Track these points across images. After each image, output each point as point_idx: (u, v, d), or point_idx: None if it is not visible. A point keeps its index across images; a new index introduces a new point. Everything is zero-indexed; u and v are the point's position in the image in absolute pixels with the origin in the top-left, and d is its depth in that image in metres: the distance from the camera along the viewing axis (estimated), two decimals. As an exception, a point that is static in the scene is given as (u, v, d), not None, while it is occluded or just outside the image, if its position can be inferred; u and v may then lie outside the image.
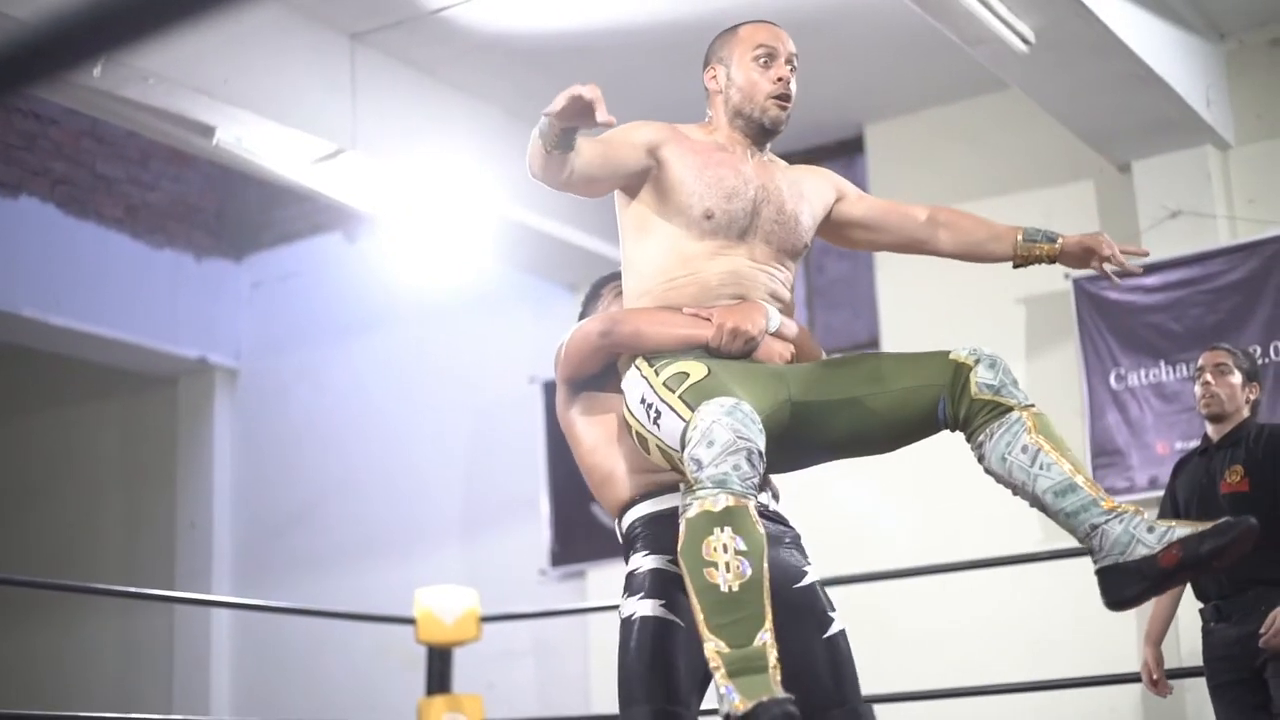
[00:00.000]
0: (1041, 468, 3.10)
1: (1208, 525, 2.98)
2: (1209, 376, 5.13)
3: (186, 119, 7.19)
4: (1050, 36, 6.51)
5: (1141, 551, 2.99)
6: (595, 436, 3.49)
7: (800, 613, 3.26)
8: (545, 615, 8.05)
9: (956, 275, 8.35)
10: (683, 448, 3.01)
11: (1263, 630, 4.76)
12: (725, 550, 2.88)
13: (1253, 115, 7.70)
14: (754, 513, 2.94)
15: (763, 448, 2.97)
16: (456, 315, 9.78)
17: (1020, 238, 3.62)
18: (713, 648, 2.85)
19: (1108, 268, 3.59)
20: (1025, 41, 6.48)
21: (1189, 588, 5.19)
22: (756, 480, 2.96)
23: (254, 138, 7.43)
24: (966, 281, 8.30)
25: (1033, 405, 3.21)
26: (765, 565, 2.92)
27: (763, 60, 3.51)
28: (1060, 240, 3.60)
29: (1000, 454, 3.14)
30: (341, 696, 9.25)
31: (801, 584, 3.33)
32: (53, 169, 9.71)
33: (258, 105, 7.18)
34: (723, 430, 2.94)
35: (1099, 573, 3.06)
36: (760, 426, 2.98)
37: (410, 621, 7.01)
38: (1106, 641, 7.22)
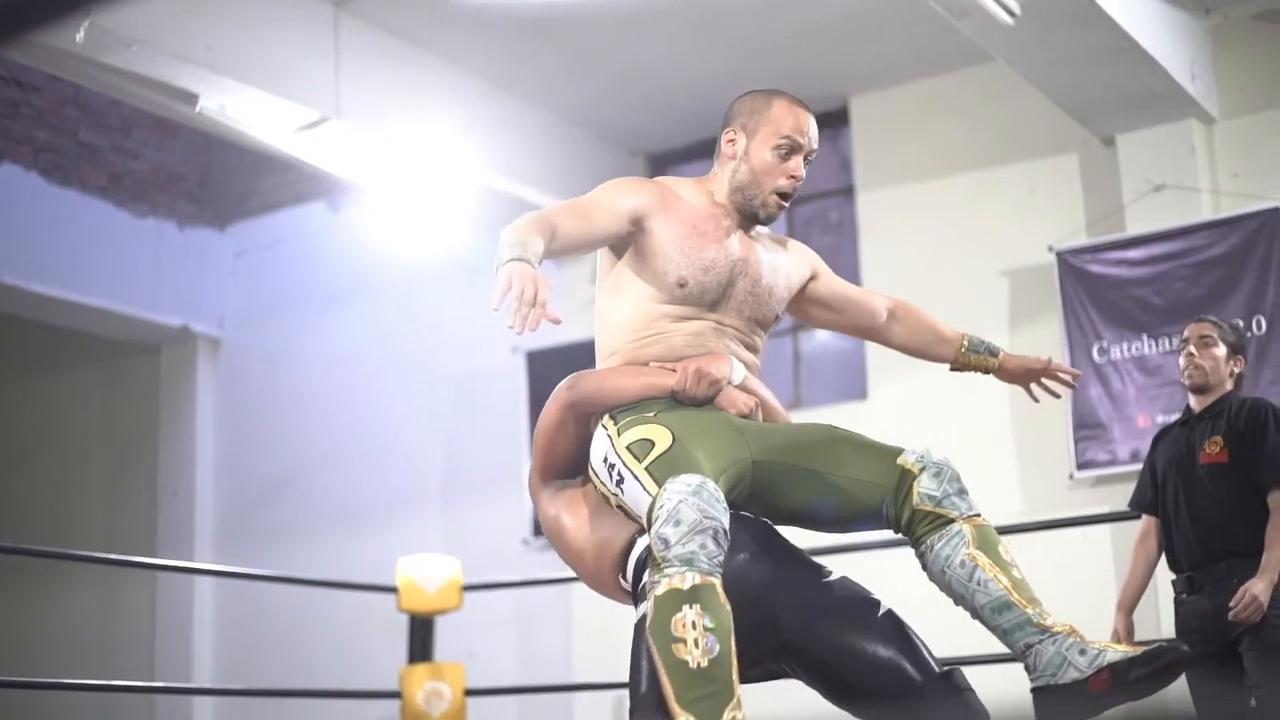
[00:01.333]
0: (978, 584, 3.12)
1: (1139, 651, 2.99)
2: (1193, 348, 5.10)
3: (169, 86, 7.17)
4: (1035, 9, 6.50)
5: (1072, 675, 3.00)
6: (580, 517, 3.43)
7: (852, 604, 3.24)
8: (527, 584, 8.05)
9: (940, 248, 8.39)
10: (649, 522, 3.04)
11: (1232, 604, 4.76)
12: (694, 627, 2.91)
13: (1237, 89, 7.70)
14: (720, 591, 2.97)
15: (727, 525, 2.99)
16: (439, 285, 9.77)
17: (965, 345, 3.81)
18: None
19: (1048, 384, 3.85)
20: (1010, 14, 6.47)
21: (1163, 558, 5.21)
22: (722, 558, 2.99)
23: (237, 105, 7.40)
24: (950, 254, 8.33)
25: (977, 515, 3.23)
26: (733, 643, 2.95)
27: (784, 151, 3.51)
28: (1001, 356, 3.82)
29: (940, 566, 3.17)
30: (323, 665, 9.25)
31: (831, 578, 3.31)
32: (35, 137, 9.68)
33: (241, 72, 7.16)
34: (689, 510, 2.96)
35: (1033, 692, 3.07)
36: (725, 505, 3.02)
37: (392, 590, 7.01)
38: (1091, 614, 7.23)
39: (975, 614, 3.16)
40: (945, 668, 3.17)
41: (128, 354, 10.79)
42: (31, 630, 10.48)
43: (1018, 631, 3.09)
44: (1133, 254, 7.58)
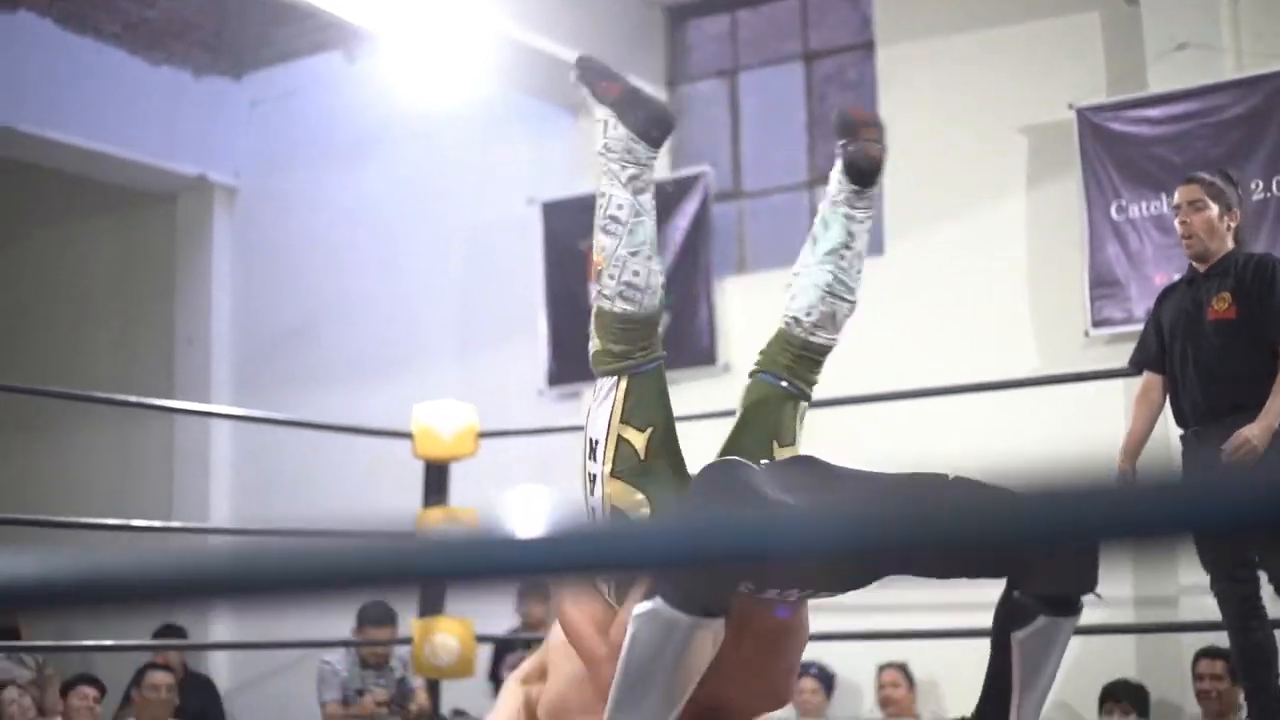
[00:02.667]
0: None
1: None
2: (1185, 216, 5.04)
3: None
4: None
5: None
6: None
7: (924, 483, 3.03)
8: (542, 432, 8.10)
9: (960, 105, 8.34)
10: None
11: (1225, 447, 4.73)
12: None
13: (1264, -53, 7.62)
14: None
15: None
16: (456, 136, 9.74)
17: None
18: None
19: None
20: None
21: (1169, 410, 5.20)
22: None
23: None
24: (970, 111, 8.28)
25: None
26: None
27: None
28: None
29: None
30: (338, 512, 9.33)
31: (890, 472, 3.15)
32: (50, -17, 9.62)
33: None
34: None
35: None
36: None
37: (408, 436, 7.06)
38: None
39: None
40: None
41: (144, 203, 10.79)
42: (50, 474, 10.57)
43: None
44: (1153, 113, 7.54)
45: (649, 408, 3.33)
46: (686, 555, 1.06)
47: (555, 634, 3.41)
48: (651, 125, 3.45)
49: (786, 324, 3.48)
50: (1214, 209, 4.99)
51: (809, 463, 3.12)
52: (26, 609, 1.16)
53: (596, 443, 3.30)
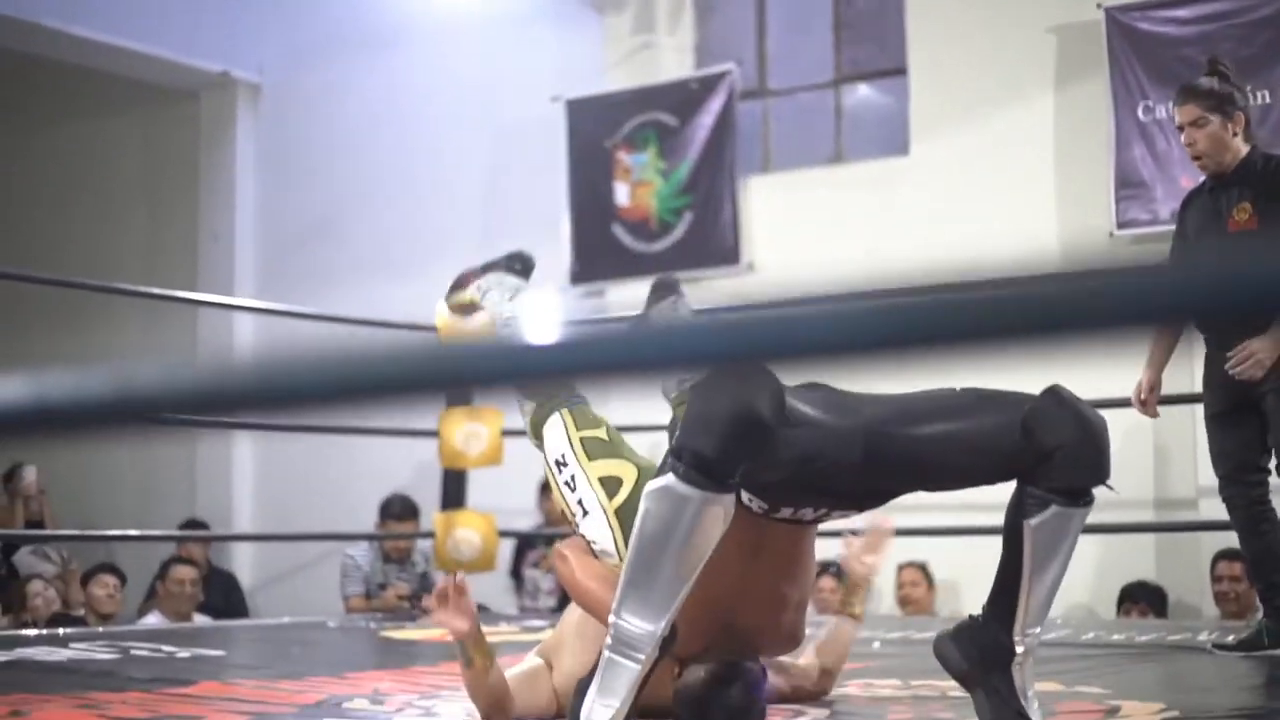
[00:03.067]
0: None
1: None
2: (1187, 137, 4.80)
3: None
4: None
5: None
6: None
7: (925, 398, 3.01)
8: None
9: (987, 4, 8.27)
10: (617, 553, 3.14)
11: (1230, 358, 4.66)
12: None
13: None
14: None
15: None
16: (481, 32, 9.69)
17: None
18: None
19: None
20: None
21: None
22: None
23: None
24: (998, 10, 8.20)
25: None
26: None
27: None
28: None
29: None
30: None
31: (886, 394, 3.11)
32: (73, -126, 9.56)
33: None
34: None
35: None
36: None
37: (431, 329, 7.07)
38: (1127, 371, 7.30)
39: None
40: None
41: (168, 99, 10.77)
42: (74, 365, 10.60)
43: None
44: (1182, 13, 7.47)
45: (594, 425, 3.48)
46: (715, 351, 1.08)
47: (569, 614, 3.48)
48: (516, 261, 4.09)
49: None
50: (1215, 120, 4.74)
51: (822, 387, 3.11)
52: (60, 428, 1.17)
53: (564, 461, 3.40)
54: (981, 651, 2.91)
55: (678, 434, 2.69)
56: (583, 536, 3.30)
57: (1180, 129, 4.84)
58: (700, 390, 2.70)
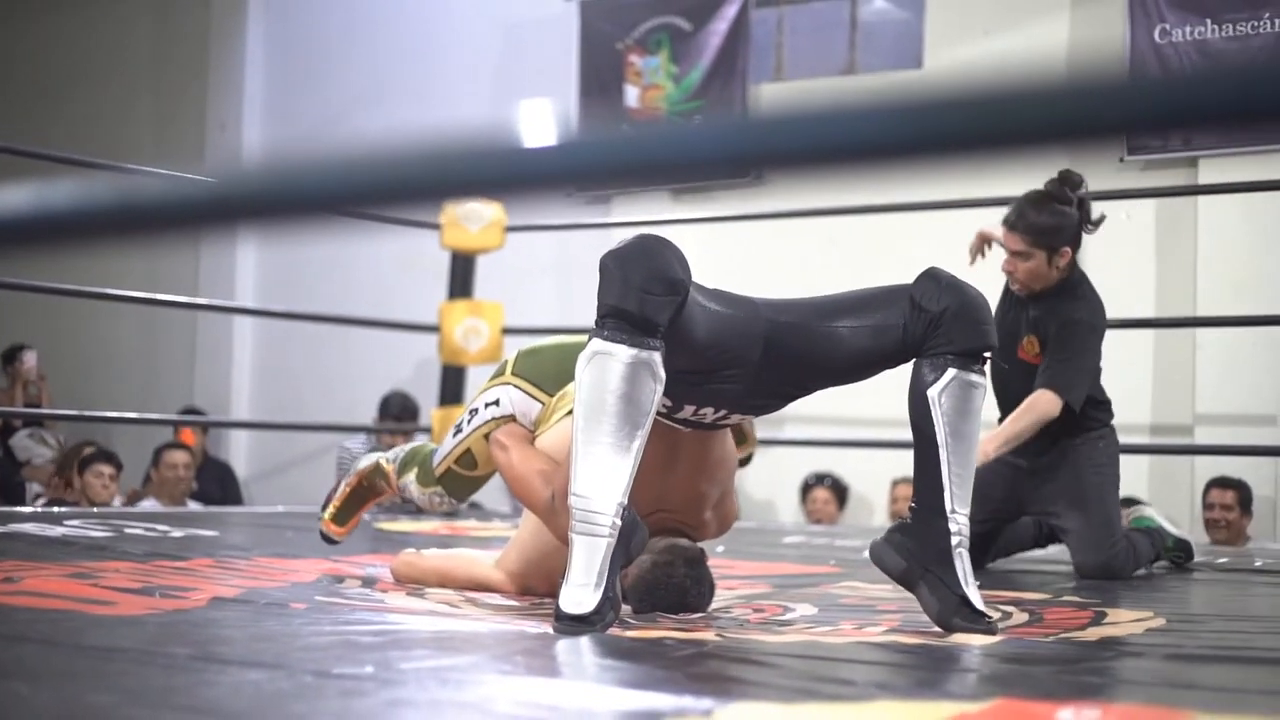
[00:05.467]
0: None
1: None
2: (1008, 264, 4.49)
3: None
4: None
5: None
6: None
7: (808, 300, 3.13)
8: (568, 228, 8.10)
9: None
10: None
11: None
12: None
13: None
14: None
15: None
16: (496, -73, 9.63)
17: None
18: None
19: None
20: None
21: None
22: None
23: None
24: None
25: None
26: None
27: None
28: None
29: None
30: (365, 301, 9.36)
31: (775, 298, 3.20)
32: None
33: None
34: None
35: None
36: None
37: (436, 227, 7.07)
38: (1131, 290, 7.33)
39: None
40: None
41: (178, -14, 10.72)
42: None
43: None
44: (1204, -63, 7.42)
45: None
46: (711, 151, 1.10)
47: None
48: None
49: None
50: (1039, 256, 4.41)
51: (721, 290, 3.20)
52: (66, 237, 1.17)
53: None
54: (918, 544, 2.97)
55: (597, 301, 2.82)
56: (511, 418, 3.43)
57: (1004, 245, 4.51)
58: (613, 258, 2.83)
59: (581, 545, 2.78)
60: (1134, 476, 7.47)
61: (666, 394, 2.98)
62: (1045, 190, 4.40)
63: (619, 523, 2.79)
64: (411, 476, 3.73)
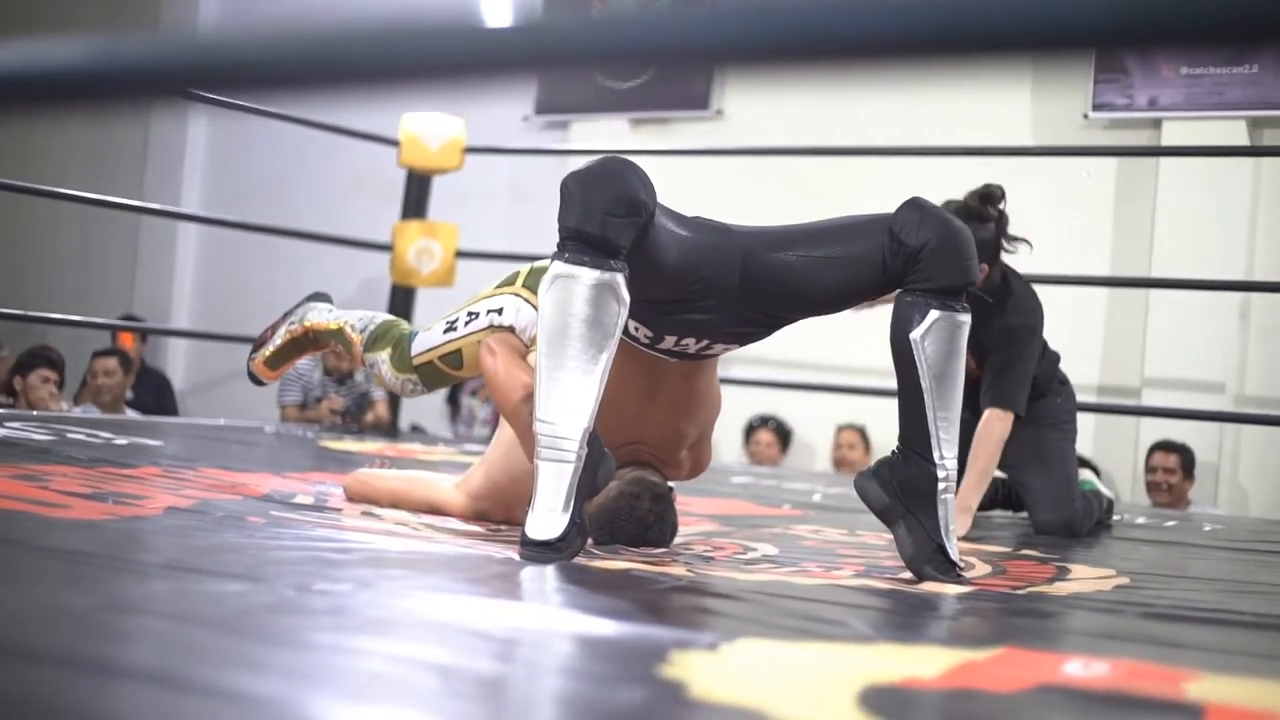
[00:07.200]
0: None
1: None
2: None
3: None
4: None
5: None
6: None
7: (781, 228, 3.11)
8: (527, 153, 8.03)
9: None
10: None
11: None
12: None
13: None
14: None
15: None
16: None
17: None
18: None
19: None
20: None
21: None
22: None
23: None
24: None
25: None
26: None
27: None
28: None
29: None
30: (312, 217, 9.24)
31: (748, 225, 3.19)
32: None
33: None
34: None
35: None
36: None
37: (394, 144, 6.96)
38: (1082, 248, 7.30)
39: None
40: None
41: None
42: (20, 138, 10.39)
43: None
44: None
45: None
46: (677, 41, 1.05)
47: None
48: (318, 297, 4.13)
49: None
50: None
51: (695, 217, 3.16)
52: (29, 99, 1.11)
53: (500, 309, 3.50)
54: (902, 484, 2.93)
55: (559, 224, 2.78)
56: (510, 329, 3.41)
57: None
58: (574, 180, 2.78)
59: (548, 471, 2.73)
60: (1079, 436, 7.50)
61: (647, 325, 2.95)
62: (964, 204, 4.22)
63: (586, 450, 2.75)
64: (384, 355, 3.70)
